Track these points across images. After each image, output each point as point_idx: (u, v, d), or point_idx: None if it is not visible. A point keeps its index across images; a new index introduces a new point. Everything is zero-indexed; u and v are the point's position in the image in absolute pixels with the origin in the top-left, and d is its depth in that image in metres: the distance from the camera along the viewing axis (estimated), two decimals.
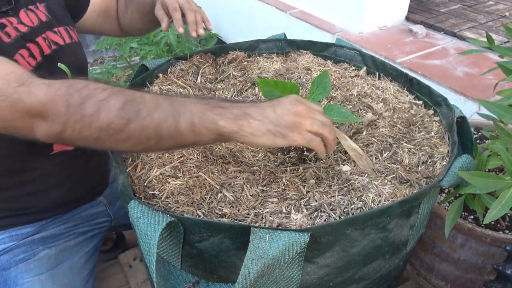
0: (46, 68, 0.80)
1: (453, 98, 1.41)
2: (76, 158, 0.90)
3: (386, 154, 0.71)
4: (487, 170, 0.72)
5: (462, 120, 0.75)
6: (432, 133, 0.77)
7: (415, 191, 0.63)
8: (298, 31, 2.06)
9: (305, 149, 0.76)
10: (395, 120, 0.80)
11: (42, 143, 0.60)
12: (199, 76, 0.94)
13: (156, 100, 0.57)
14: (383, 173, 0.66)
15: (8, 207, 0.86)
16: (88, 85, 0.57)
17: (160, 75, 0.92)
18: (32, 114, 0.56)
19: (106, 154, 1.03)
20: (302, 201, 0.61)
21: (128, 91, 0.58)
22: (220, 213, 0.60)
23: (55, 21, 0.87)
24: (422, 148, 0.73)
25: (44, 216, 0.90)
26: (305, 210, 0.59)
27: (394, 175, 0.66)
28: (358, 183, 0.64)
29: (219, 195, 0.62)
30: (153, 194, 0.63)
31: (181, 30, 0.89)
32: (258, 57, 1.04)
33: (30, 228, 0.88)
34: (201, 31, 0.91)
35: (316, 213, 0.59)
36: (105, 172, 1.04)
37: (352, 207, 0.60)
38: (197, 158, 0.69)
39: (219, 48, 1.04)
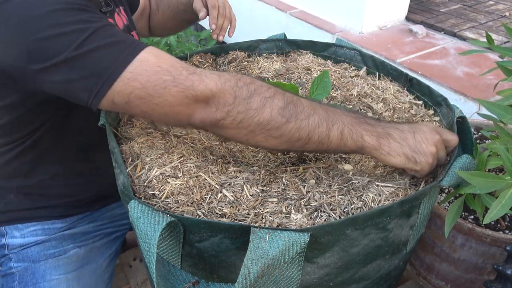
0: None
1: (453, 98, 1.41)
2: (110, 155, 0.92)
3: None
4: (487, 170, 0.72)
5: (462, 120, 0.75)
6: None
7: (415, 191, 0.63)
8: (298, 31, 2.06)
9: None
10: (395, 120, 0.80)
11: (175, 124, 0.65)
12: None
13: (313, 105, 0.62)
14: (383, 173, 0.66)
15: (52, 193, 0.87)
16: (254, 81, 0.62)
17: None
18: (199, 100, 0.59)
19: None
20: (302, 201, 0.61)
21: (288, 93, 0.63)
22: (220, 213, 0.60)
23: (132, 24, 0.90)
24: None
25: (75, 211, 0.91)
26: (305, 210, 0.59)
27: (393, 174, 0.66)
28: (358, 183, 0.64)
29: (219, 195, 0.62)
30: (153, 194, 0.63)
31: (214, 26, 0.93)
32: (258, 57, 1.04)
33: (61, 224, 0.89)
34: (221, 38, 0.95)
35: (316, 213, 0.59)
36: None
37: (352, 207, 0.60)
38: (197, 158, 0.69)
39: (219, 48, 1.04)
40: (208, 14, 0.94)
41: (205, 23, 2.83)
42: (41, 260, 0.86)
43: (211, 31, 0.94)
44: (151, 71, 0.59)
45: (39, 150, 0.81)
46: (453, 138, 0.66)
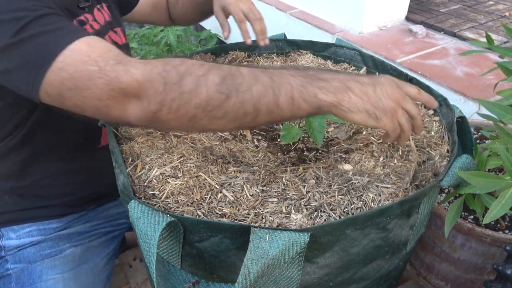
0: None
1: (453, 98, 1.41)
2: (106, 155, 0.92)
3: (386, 153, 0.71)
4: (487, 170, 0.72)
5: (462, 120, 0.75)
6: (432, 133, 0.77)
7: (415, 191, 0.63)
8: (298, 31, 2.06)
9: (305, 149, 0.77)
10: None
11: (126, 124, 0.60)
12: None
13: (254, 73, 0.56)
14: (383, 173, 0.66)
15: (38, 194, 0.87)
16: (184, 61, 0.56)
17: None
18: (127, 94, 0.55)
19: None
20: (302, 201, 0.61)
21: (225, 66, 0.57)
22: (220, 213, 0.60)
23: (115, 21, 0.89)
24: (422, 147, 0.73)
25: (70, 210, 0.91)
26: (305, 210, 0.59)
27: (394, 174, 0.66)
28: (358, 183, 0.64)
29: (219, 195, 0.62)
30: (153, 194, 0.63)
31: (249, 41, 0.90)
32: (258, 57, 1.04)
33: (57, 223, 0.89)
34: (267, 41, 0.92)
35: (316, 213, 0.59)
36: None
37: (352, 207, 0.60)
38: (197, 158, 0.69)
39: (219, 48, 1.04)
40: (236, 28, 0.91)
41: (205, 23, 2.83)
42: (37, 260, 0.86)
43: (259, 42, 0.90)
44: (79, 60, 0.55)
45: (30, 149, 0.80)
46: (413, 90, 0.61)
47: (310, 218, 0.58)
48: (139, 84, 0.54)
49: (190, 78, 0.54)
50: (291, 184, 0.64)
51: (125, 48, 0.90)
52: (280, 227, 0.56)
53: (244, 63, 1.00)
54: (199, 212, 0.60)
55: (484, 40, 0.80)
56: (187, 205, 0.61)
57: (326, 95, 0.55)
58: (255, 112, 0.55)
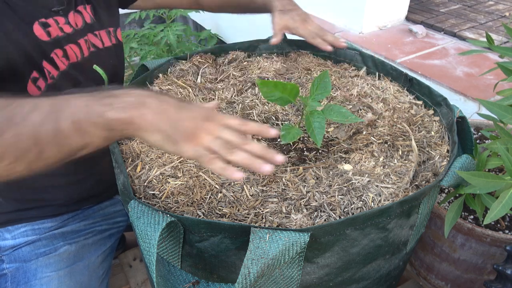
0: (81, 69, 0.82)
1: (453, 98, 1.41)
2: (100, 155, 0.92)
3: (386, 153, 0.71)
4: (487, 170, 0.72)
5: (462, 120, 0.75)
6: (432, 133, 0.77)
7: (415, 191, 0.63)
8: None
9: (305, 149, 0.76)
10: (395, 120, 0.80)
11: None
12: (199, 76, 0.94)
13: (34, 101, 0.48)
14: (383, 172, 0.66)
15: (32, 198, 0.87)
16: None
17: (160, 75, 0.92)
18: None
19: None
20: (302, 201, 0.61)
21: (11, 98, 0.49)
22: (220, 213, 0.60)
23: (98, 23, 0.88)
24: (422, 147, 0.73)
25: (64, 210, 0.92)
26: (305, 210, 0.59)
27: (394, 174, 0.66)
28: (358, 183, 0.64)
29: (219, 195, 0.62)
30: (153, 194, 0.63)
31: (329, 47, 0.93)
32: (258, 57, 1.04)
33: (51, 222, 0.90)
34: (329, 48, 0.94)
35: (316, 213, 0.59)
36: None
37: (352, 207, 0.60)
38: None
39: (219, 48, 1.04)
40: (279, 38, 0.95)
41: (205, 23, 2.83)
42: (32, 259, 0.87)
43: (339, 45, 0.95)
44: None
45: None
46: (234, 122, 0.53)
47: (310, 218, 0.58)
48: None
49: None
50: (291, 184, 0.64)
51: (108, 51, 0.88)
52: (280, 227, 0.56)
53: (244, 63, 1.00)
54: (199, 212, 0.60)
55: (484, 40, 0.80)
56: (187, 205, 0.61)
57: (114, 111, 0.47)
58: (38, 145, 0.47)
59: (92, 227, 0.96)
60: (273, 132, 0.55)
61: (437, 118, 0.81)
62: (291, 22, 0.93)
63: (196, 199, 0.61)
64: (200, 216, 0.59)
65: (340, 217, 0.58)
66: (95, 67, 0.84)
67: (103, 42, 0.88)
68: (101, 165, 0.94)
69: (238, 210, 0.60)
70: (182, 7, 1.12)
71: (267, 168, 0.51)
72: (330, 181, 0.65)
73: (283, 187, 0.64)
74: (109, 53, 0.89)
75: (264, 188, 0.64)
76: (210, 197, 0.62)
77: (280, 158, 0.52)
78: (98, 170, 0.93)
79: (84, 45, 0.83)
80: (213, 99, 0.88)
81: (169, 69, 0.95)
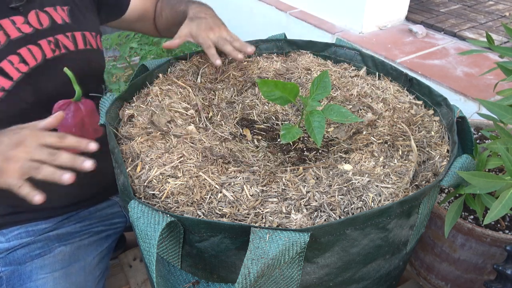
0: (44, 71, 0.80)
1: (453, 98, 1.41)
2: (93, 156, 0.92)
3: (386, 153, 0.71)
4: (487, 170, 0.72)
5: (462, 120, 0.75)
6: (432, 133, 0.77)
7: (415, 191, 0.63)
8: (298, 31, 2.06)
9: (305, 149, 0.77)
10: (395, 120, 0.80)
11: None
12: (199, 76, 0.94)
13: None
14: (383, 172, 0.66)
15: (26, 201, 0.87)
16: None
17: (160, 75, 0.92)
18: None
19: None
20: (302, 201, 0.61)
21: None
22: (220, 213, 0.60)
23: (73, 25, 0.86)
24: (422, 147, 0.73)
25: (59, 212, 0.91)
26: (305, 210, 0.59)
27: (394, 174, 0.66)
28: (358, 183, 0.64)
29: (219, 195, 0.62)
30: (153, 194, 0.63)
31: (218, 62, 0.88)
32: (258, 57, 1.04)
33: (46, 224, 0.89)
34: (241, 56, 0.90)
35: (316, 213, 0.59)
36: None
37: (352, 207, 0.60)
38: (197, 158, 0.69)
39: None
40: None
41: None
42: (27, 261, 0.86)
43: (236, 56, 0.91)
44: None
45: None
46: (52, 139, 0.60)
47: (310, 218, 0.58)
48: None
49: None
50: (291, 184, 0.64)
51: (81, 54, 0.87)
52: (280, 227, 0.56)
53: (244, 63, 1.00)
54: (199, 212, 0.60)
55: (484, 40, 0.80)
56: (187, 205, 0.61)
57: None
58: None
59: (88, 229, 0.95)
60: (91, 147, 0.62)
61: (437, 118, 0.81)
62: (195, 29, 0.90)
63: (196, 199, 0.61)
64: (200, 216, 0.59)
65: (340, 217, 0.58)
66: (65, 69, 0.82)
67: (76, 45, 0.86)
68: (97, 167, 0.94)
69: (238, 210, 0.60)
70: (148, 34, 1.15)
71: (66, 177, 0.59)
72: (330, 181, 0.65)
73: (283, 187, 0.64)
74: (84, 55, 0.87)
75: (264, 188, 0.64)
76: (210, 197, 0.62)
77: (93, 146, 0.61)
78: (95, 172, 0.93)
79: (47, 46, 0.80)
80: (213, 99, 0.88)
81: (169, 69, 0.95)
